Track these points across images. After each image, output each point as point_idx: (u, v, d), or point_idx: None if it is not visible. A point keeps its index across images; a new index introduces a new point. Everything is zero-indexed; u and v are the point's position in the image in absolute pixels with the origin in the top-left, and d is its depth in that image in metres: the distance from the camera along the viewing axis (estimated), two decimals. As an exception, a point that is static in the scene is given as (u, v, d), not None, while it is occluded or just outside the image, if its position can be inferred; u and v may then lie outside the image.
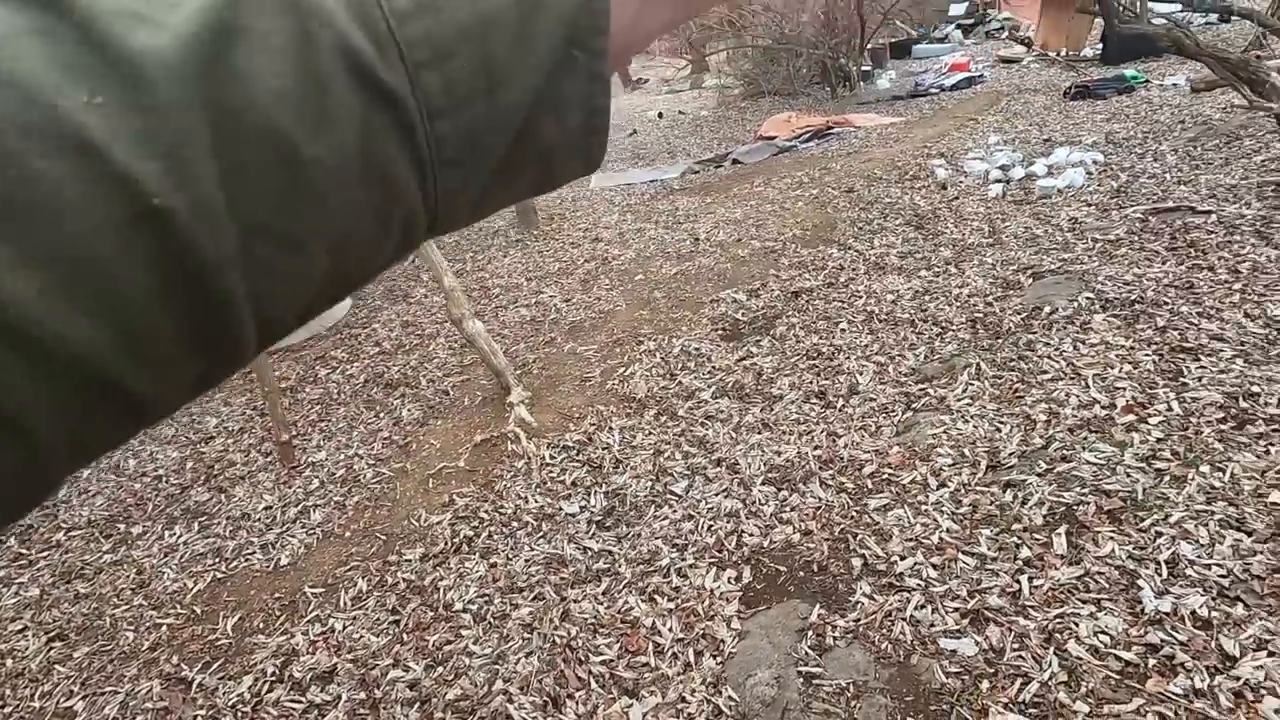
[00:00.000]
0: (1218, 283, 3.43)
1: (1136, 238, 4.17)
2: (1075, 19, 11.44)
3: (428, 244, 3.49)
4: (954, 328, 3.66)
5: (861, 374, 3.44)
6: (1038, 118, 7.79)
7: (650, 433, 3.24)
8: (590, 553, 2.55)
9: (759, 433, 3.10)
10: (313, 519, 2.97)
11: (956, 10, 16.21)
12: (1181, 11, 12.14)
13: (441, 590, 2.47)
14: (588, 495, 2.87)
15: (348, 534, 2.83)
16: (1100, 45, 10.40)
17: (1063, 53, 10.99)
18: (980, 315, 3.72)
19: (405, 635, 2.31)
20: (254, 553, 2.82)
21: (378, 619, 2.40)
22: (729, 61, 13.84)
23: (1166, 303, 3.35)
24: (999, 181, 5.87)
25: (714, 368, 3.72)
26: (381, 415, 3.81)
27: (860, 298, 4.25)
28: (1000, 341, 3.39)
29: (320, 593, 2.57)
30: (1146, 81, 8.30)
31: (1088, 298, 3.60)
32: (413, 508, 2.93)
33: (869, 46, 12.48)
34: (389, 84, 0.22)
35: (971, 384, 3.10)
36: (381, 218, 0.24)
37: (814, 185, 6.74)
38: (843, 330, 3.90)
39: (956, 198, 5.74)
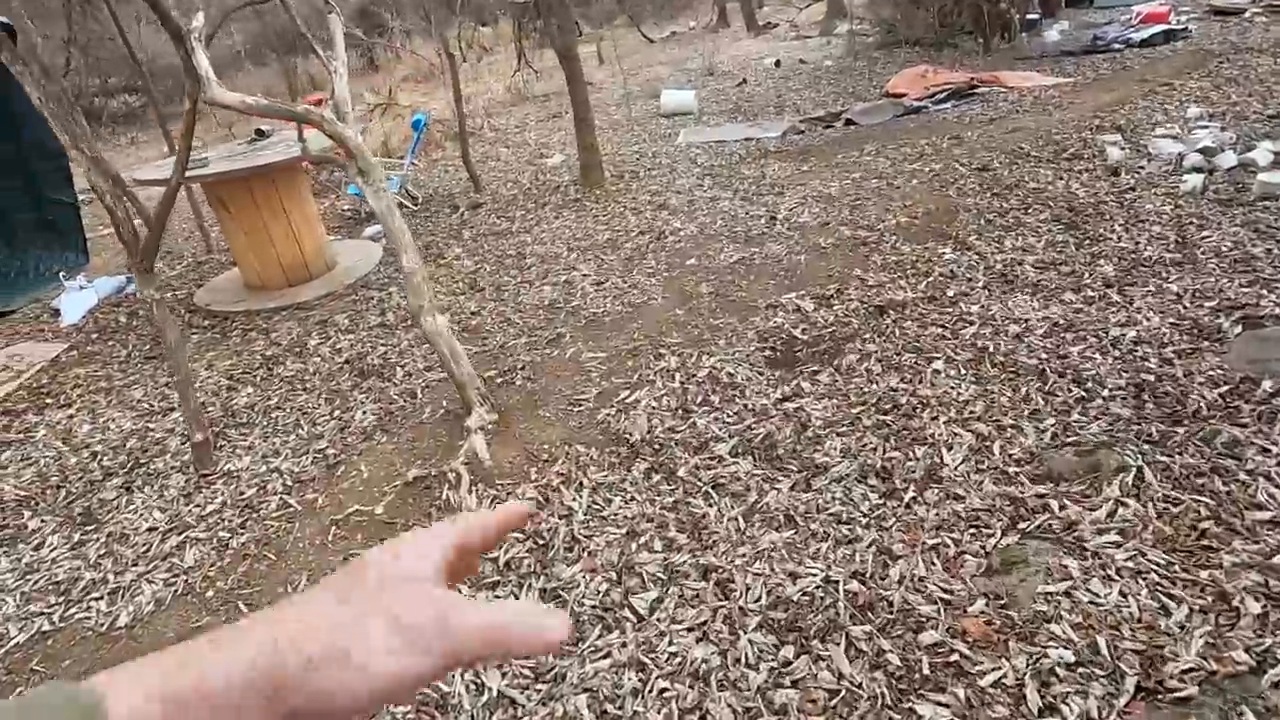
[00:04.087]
0: None
1: None
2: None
3: (390, 210, 2.70)
4: (1106, 393, 2.48)
5: (951, 448, 2.37)
6: (1261, 86, 5.91)
7: (632, 498, 2.35)
8: (483, 701, 1.74)
9: (778, 528, 2.14)
10: (185, 559, 2.34)
11: (1160, -51, 13.32)
12: None
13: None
14: (517, 593, 2.05)
15: (209, 594, 2.18)
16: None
17: (1304, 3, 8.55)
18: (1151, 379, 2.51)
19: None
20: (100, 599, 2.23)
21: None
22: (878, 4, 12.04)
23: None
24: (1198, 171, 4.34)
25: (745, 407, 2.75)
26: (334, 415, 3.14)
27: (971, 324, 3.10)
28: (1181, 432, 2.20)
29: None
30: None
31: (1341, 374, 2.31)
32: (295, 569, 2.23)
33: (1039, -10, 10.37)
34: None
35: (1125, 503, 1.98)
36: None
37: (938, 158, 5.39)
38: (936, 372, 2.79)
39: (1132, 188, 4.29)
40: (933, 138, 5.97)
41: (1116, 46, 8.34)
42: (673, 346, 3.23)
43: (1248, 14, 8.95)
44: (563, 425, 2.77)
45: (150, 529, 2.52)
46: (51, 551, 2.51)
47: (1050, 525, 1.97)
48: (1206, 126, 5.09)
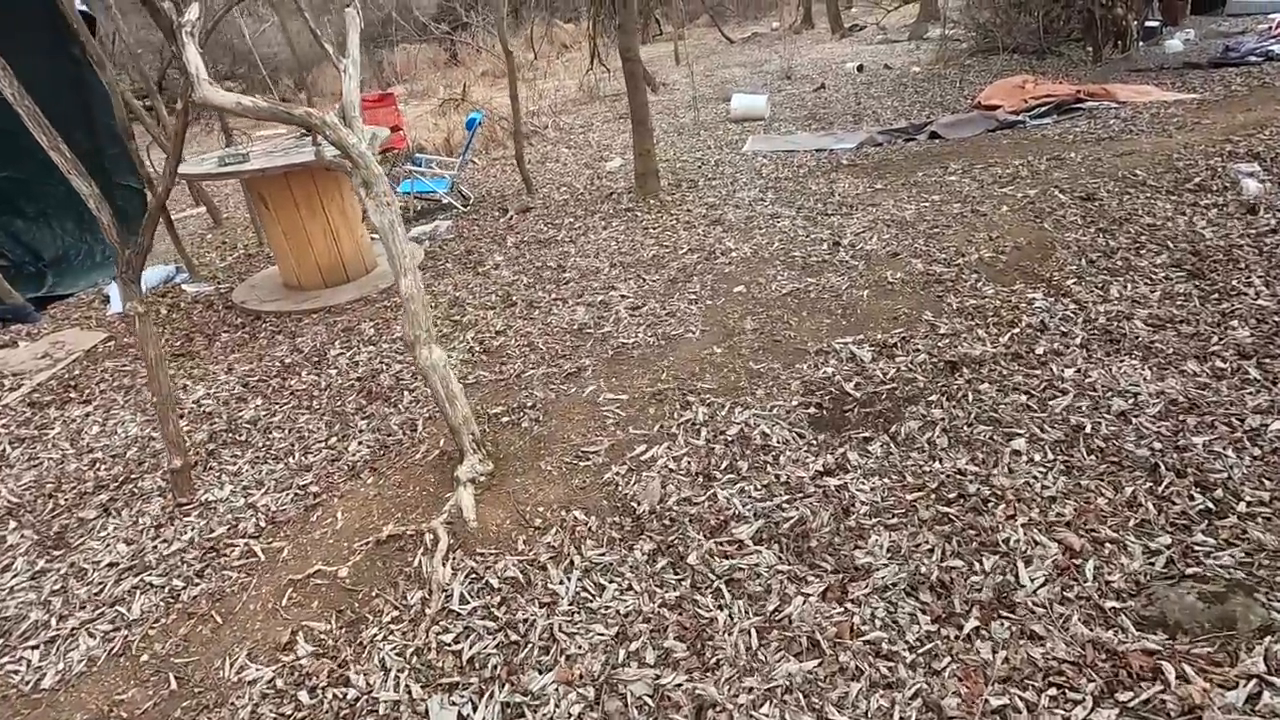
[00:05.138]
0: None
1: None
2: None
3: (392, 227, 2.42)
4: (1242, 508, 1.94)
5: (1030, 562, 1.90)
6: None
7: (629, 587, 1.98)
8: None
9: (799, 654, 1.73)
10: (132, 609, 2.12)
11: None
12: None
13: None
14: (476, 702, 1.71)
15: (143, 658, 1.94)
16: None
17: None
18: (1305, 493, 1.95)
19: None
20: (36, 648, 2.03)
21: None
22: (975, 7, 11.18)
23: None
24: (1361, 213, 3.61)
25: (778, 479, 2.33)
26: (329, 444, 2.89)
27: (1063, 393, 2.58)
28: (1352, 582, 1.66)
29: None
30: None
31: None
32: (239, 638, 1.96)
33: (1161, -4, 9.36)
34: None
35: (1273, 683, 1.47)
36: None
37: (1034, 182, 4.77)
38: (1017, 454, 2.30)
39: (1273, 230, 3.61)
40: (1029, 158, 5.32)
41: (1253, 59, 7.36)
42: (703, 394, 2.83)
43: None
44: (564, 483, 2.41)
45: (110, 564, 2.32)
46: (14, 578, 2.34)
47: (1162, 702, 1.49)
48: (1370, 158, 4.29)
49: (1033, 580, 1.85)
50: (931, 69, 10.00)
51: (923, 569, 1.93)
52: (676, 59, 14.98)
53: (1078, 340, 2.90)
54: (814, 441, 2.50)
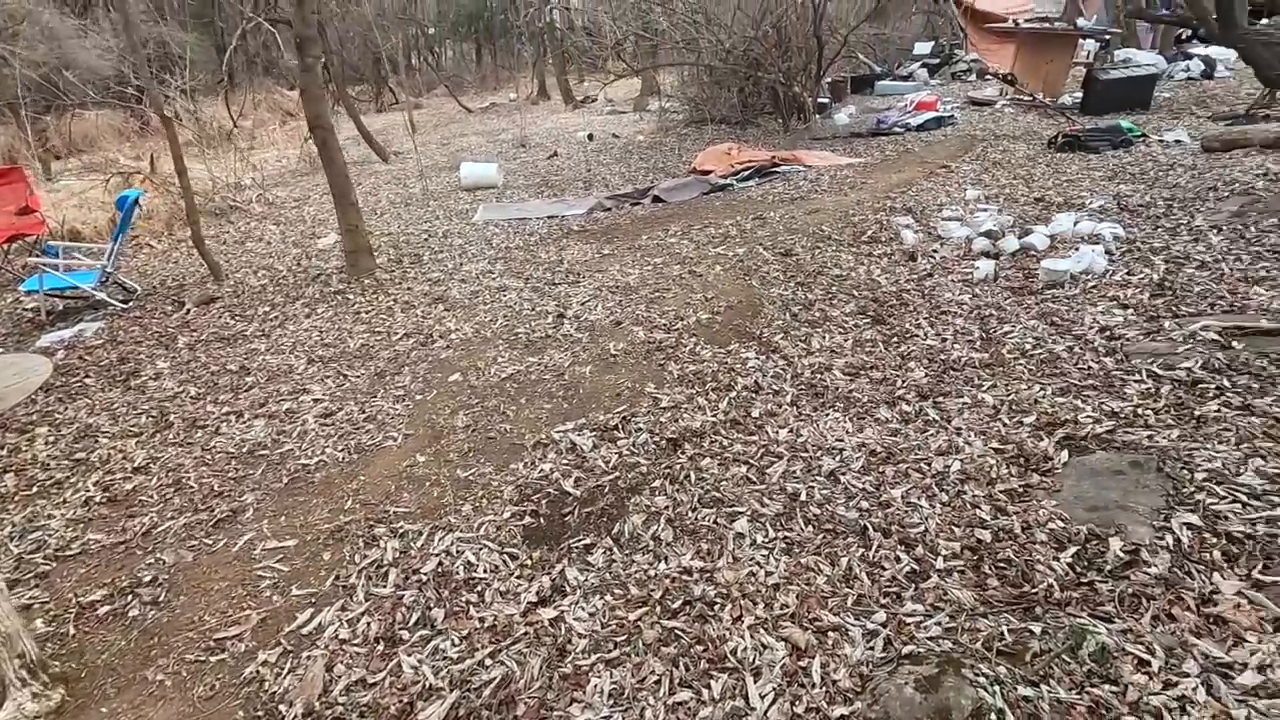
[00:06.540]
0: None
1: (1229, 382, 2.54)
2: (1053, 63, 10.24)
3: None
4: (940, 564, 1.93)
5: (759, 675, 1.67)
6: (1022, 170, 6.31)
7: None
8: None
9: None
10: None
11: (922, 49, 15.09)
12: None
13: None
14: None
15: None
16: (1080, 93, 9.15)
17: (1038, 98, 9.72)
18: (988, 537, 2.00)
19: None
20: None
21: None
22: (686, 84, 12.27)
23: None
24: (987, 256, 4.27)
25: (481, 624, 1.89)
26: None
27: (780, 457, 2.51)
28: (1038, 631, 1.65)
29: None
30: (1144, 136, 6.94)
31: (1189, 525, 1.92)
32: None
33: (827, 80, 11.06)
34: None
35: (991, 783, 1.36)
36: None
37: (743, 240, 5.05)
38: (740, 538, 2.13)
39: (930, 274, 4.10)
40: (737, 217, 5.69)
41: (898, 130, 8.89)
42: (397, 521, 2.32)
43: (998, 104, 10.03)
44: (182, 697, 1.73)
45: None
46: None
47: (897, 842, 1.29)
48: (986, 209, 5.19)
49: (763, 698, 1.62)
50: (654, 137, 10.70)
51: (648, 713, 1.62)
52: (412, 128, 14.48)
53: (788, 397, 2.91)
54: (528, 562, 2.12)
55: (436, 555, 2.15)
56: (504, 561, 2.11)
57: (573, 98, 17.60)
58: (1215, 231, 4.15)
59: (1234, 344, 2.80)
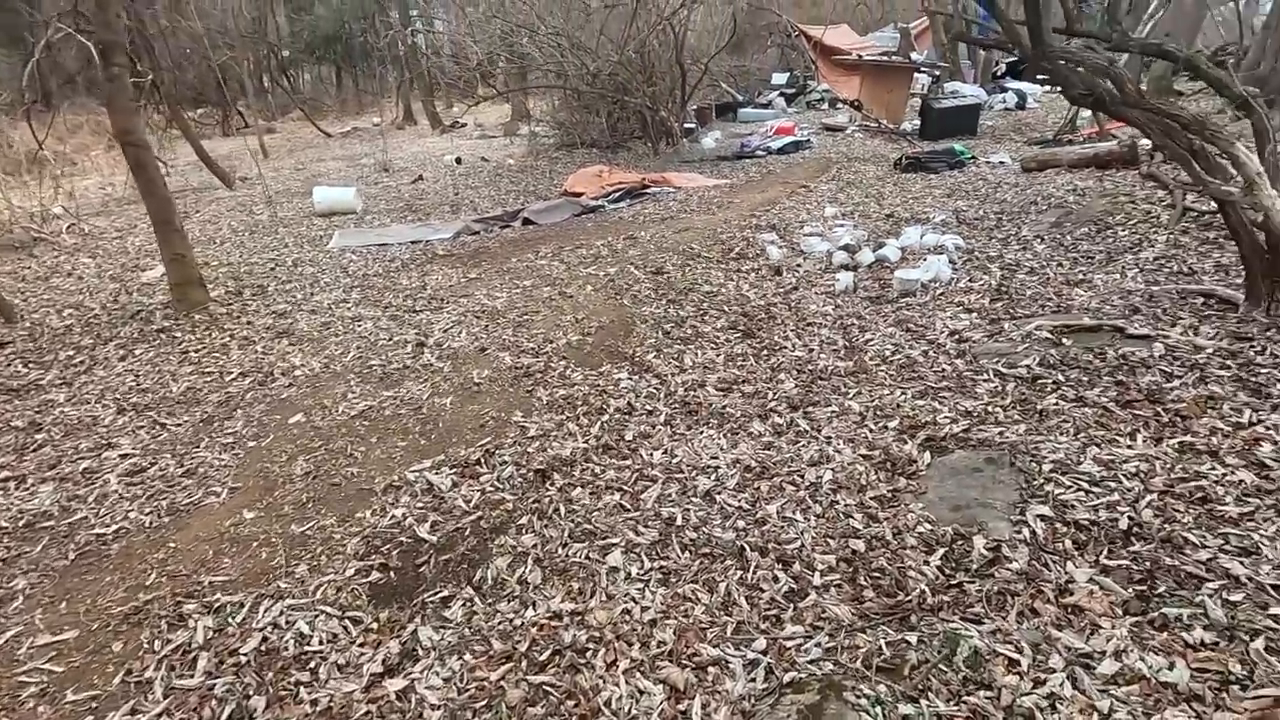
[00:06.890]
0: (1246, 487, 1.95)
1: (1063, 377, 2.71)
2: (894, 93, 11.12)
3: None
4: (818, 580, 1.86)
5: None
6: (873, 188, 6.72)
7: None
8: None
9: None
10: None
11: (779, 79, 16.02)
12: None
13: None
14: None
15: None
16: (919, 120, 9.99)
17: (883, 124, 10.52)
18: (861, 547, 1.96)
19: None
20: None
21: None
22: (557, 109, 12.20)
23: (1193, 543, 1.78)
24: (846, 269, 4.43)
25: (314, 707, 1.61)
26: None
27: (655, 480, 2.39)
28: (914, 641, 1.61)
29: None
30: (974, 158, 7.63)
31: (1042, 517, 1.97)
32: None
33: (693, 106, 11.41)
34: None
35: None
36: None
37: (614, 260, 4.97)
38: (614, 572, 1.97)
39: (795, 288, 4.19)
40: (608, 238, 5.62)
41: (760, 153, 9.26)
42: (212, 594, 1.97)
43: (849, 130, 10.74)
44: None
45: None
46: None
47: None
48: (843, 224, 5.44)
49: (639, 754, 1.46)
50: (524, 161, 10.54)
51: (511, 790, 1.41)
52: (264, 153, 13.43)
53: (662, 417, 2.81)
54: (374, 625, 1.85)
55: (260, 630, 1.82)
56: (344, 628, 1.83)
57: (440, 122, 17.11)
58: (1039, 240, 4.54)
59: (1064, 341, 3.02)
